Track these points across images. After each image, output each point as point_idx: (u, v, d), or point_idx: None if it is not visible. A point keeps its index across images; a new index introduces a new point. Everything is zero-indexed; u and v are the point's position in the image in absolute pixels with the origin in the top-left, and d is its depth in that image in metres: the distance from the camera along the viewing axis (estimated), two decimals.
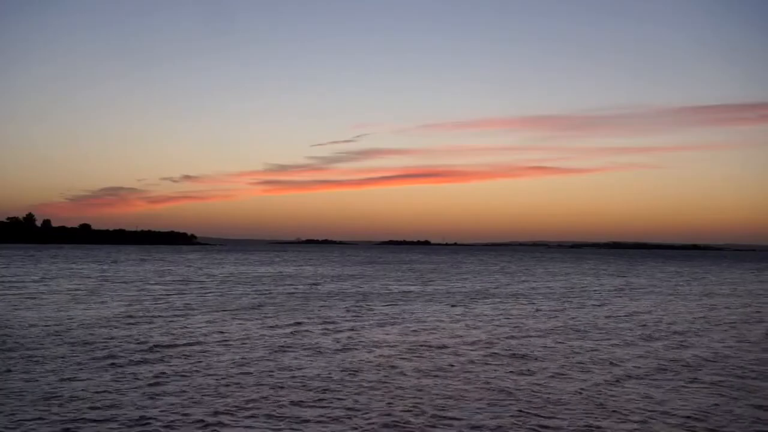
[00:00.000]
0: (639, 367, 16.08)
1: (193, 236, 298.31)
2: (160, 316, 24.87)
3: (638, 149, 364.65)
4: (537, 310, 29.63)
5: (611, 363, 16.63)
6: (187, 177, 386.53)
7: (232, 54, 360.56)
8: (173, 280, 46.74)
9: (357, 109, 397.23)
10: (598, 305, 32.99)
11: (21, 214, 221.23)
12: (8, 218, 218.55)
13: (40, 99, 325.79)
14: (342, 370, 15.01)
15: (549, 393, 13.19)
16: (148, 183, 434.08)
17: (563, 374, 15.08)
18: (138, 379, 13.70)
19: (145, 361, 15.61)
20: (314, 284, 45.40)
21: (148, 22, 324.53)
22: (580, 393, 13.22)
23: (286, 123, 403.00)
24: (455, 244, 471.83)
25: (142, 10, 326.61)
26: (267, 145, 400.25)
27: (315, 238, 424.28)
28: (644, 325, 24.73)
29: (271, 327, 22.25)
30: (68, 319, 23.38)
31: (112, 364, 15.23)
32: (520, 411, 11.76)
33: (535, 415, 11.56)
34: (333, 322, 23.79)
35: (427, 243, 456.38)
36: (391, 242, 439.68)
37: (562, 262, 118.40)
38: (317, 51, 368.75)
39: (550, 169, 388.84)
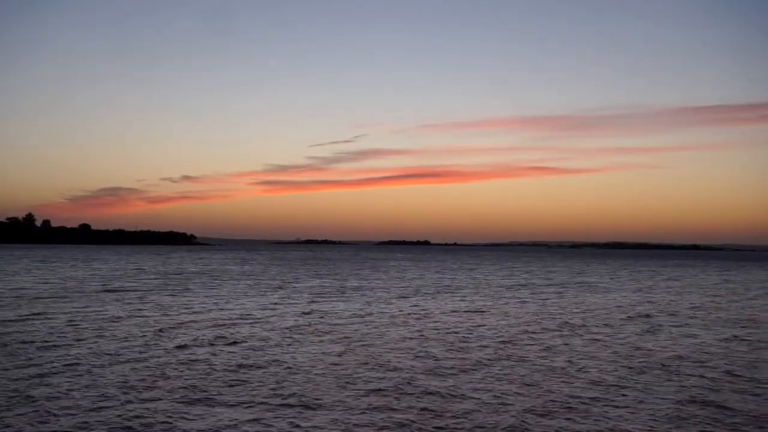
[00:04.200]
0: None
1: (192, 236, 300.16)
2: None
3: (638, 149, 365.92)
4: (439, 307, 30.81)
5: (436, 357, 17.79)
6: (186, 177, 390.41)
7: (232, 54, 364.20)
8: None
9: (356, 109, 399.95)
10: (525, 300, 34.10)
11: (21, 215, 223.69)
12: (8, 218, 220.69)
13: (40, 99, 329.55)
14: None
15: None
16: (147, 183, 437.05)
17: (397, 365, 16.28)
18: None
19: None
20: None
21: (148, 22, 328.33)
22: (409, 383, 14.43)
23: (285, 123, 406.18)
24: (455, 244, 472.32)
25: (142, 10, 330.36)
26: (267, 145, 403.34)
27: (314, 239, 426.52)
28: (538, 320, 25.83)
29: None
30: None
31: None
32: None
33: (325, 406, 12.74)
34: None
35: (426, 243, 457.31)
36: (390, 242, 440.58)
37: (534, 261, 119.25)
38: (317, 51, 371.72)
39: (550, 169, 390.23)
